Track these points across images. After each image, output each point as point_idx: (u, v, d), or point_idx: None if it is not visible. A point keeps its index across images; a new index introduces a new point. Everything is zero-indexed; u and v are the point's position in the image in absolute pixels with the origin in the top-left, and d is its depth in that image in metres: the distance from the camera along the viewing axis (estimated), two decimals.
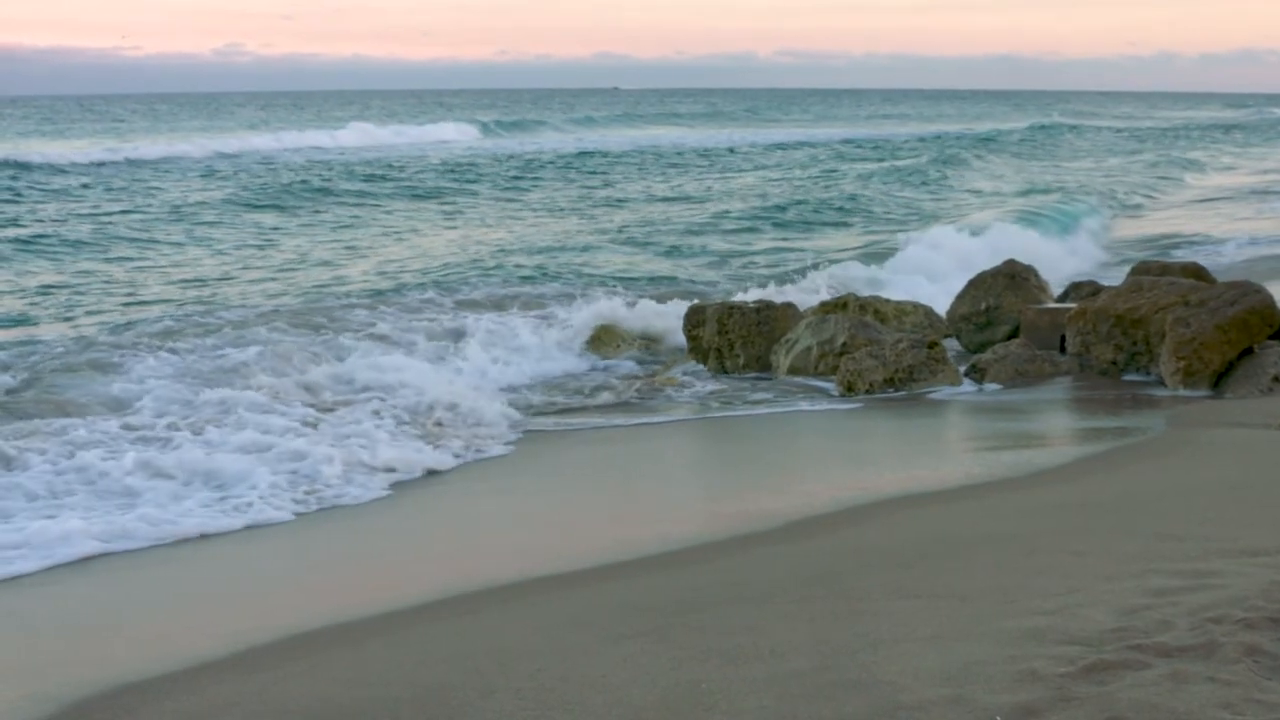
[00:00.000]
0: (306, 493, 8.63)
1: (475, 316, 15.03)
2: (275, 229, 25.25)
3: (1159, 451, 9.08)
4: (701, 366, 13.25)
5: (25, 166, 37.75)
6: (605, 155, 47.79)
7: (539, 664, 5.20)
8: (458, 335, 14.05)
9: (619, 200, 31.43)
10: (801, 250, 21.86)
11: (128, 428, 10.03)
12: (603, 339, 14.05)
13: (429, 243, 23.37)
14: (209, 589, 7.01)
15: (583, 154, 48.33)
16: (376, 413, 10.70)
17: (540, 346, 13.78)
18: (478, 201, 31.38)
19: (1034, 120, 79.33)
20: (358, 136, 60.42)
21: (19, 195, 30.73)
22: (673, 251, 21.62)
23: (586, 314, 14.48)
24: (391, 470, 9.15)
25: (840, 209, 28.11)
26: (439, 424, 10.45)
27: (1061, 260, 19.85)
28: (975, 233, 21.26)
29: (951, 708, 4.44)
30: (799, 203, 28.79)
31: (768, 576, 6.34)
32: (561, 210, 29.08)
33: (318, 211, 28.31)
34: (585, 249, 21.73)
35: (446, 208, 29.96)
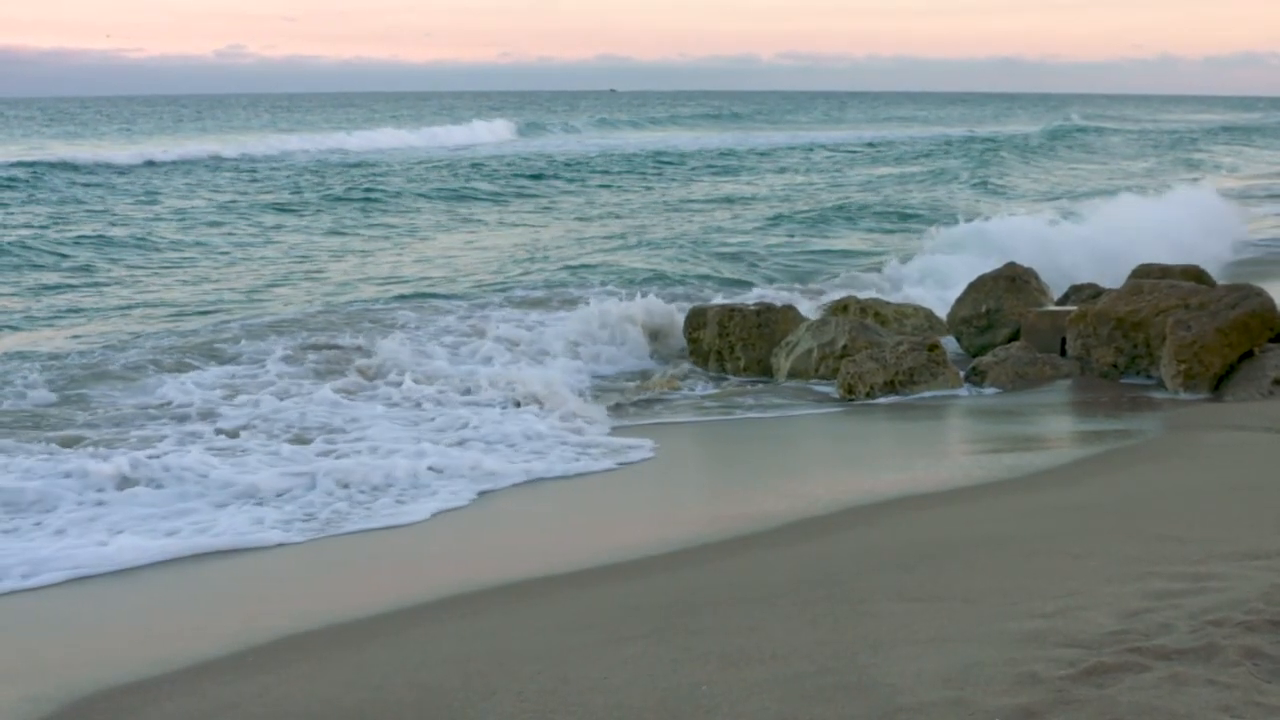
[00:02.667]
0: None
1: (514, 316, 15.31)
2: (323, 232, 25.23)
3: (1159, 454, 9.08)
4: (702, 369, 13.24)
5: (35, 166, 37.58)
6: (644, 156, 47.67)
7: (539, 665, 5.20)
8: (486, 337, 14.11)
9: (659, 202, 31.51)
10: (880, 251, 21.85)
11: (223, 433, 10.08)
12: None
13: (470, 244, 23.48)
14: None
15: (617, 155, 48.10)
16: (537, 414, 10.81)
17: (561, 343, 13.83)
18: (520, 202, 31.54)
19: (1049, 124, 79.17)
20: (389, 138, 59.66)
21: (37, 195, 30.83)
22: (719, 254, 21.41)
23: (585, 312, 14.52)
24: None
25: (882, 210, 27.98)
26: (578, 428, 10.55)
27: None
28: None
29: (951, 710, 4.44)
30: (839, 206, 28.58)
31: (768, 578, 6.34)
32: (596, 212, 29.15)
33: (345, 213, 28.34)
34: (619, 250, 21.77)
35: (488, 209, 30.03)
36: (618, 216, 28.13)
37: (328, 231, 25.33)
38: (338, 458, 9.26)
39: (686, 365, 13.38)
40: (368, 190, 32.42)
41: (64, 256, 20.75)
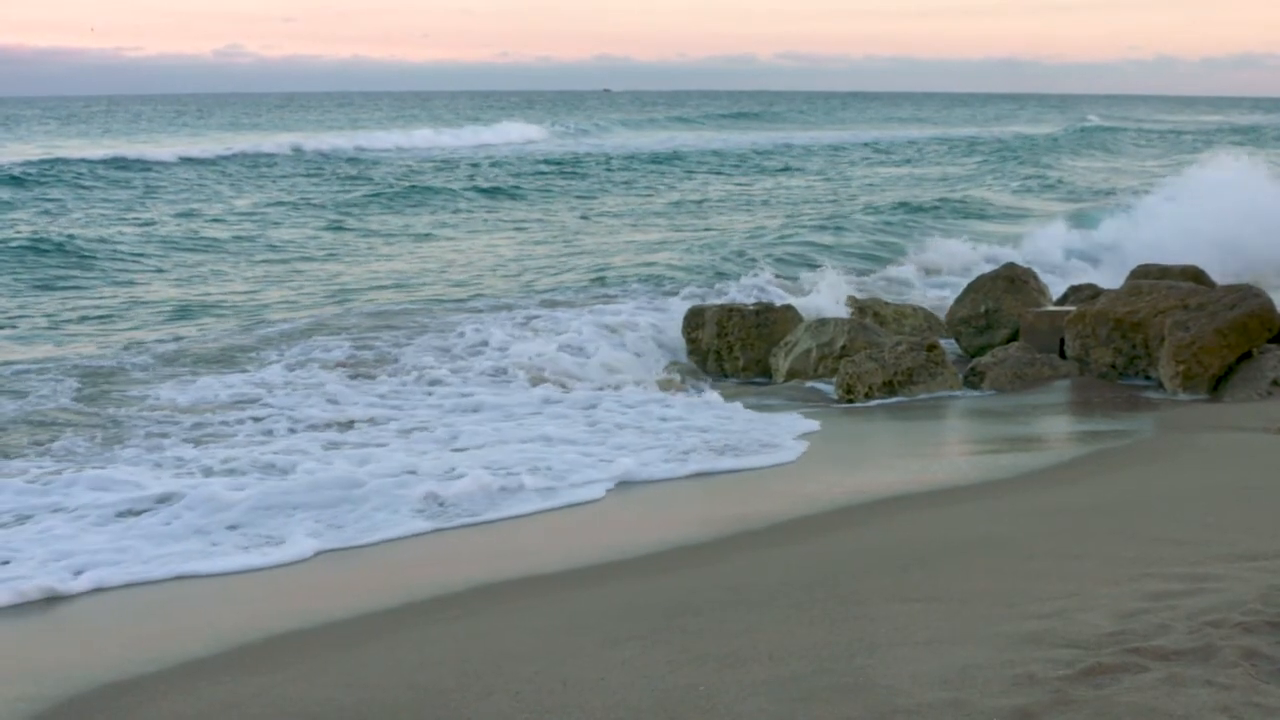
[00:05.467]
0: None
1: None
2: (351, 233, 25.22)
3: (1157, 455, 9.08)
4: (700, 369, 13.24)
5: (54, 163, 37.42)
6: (676, 158, 47.63)
7: (537, 666, 5.20)
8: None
9: (701, 202, 31.54)
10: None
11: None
12: None
13: (498, 246, 23.50)
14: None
15: (634, 156, 47.95)
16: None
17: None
18: (541, 202, 31.64)
19: (1066, 125, 78.97)
20: (415, 139, 59.54)
21: (66, 193, 30.87)
22: (739, 253, 21.11)
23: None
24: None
25: (936, 210, 27.92)
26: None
27: None
28: None
29: (949, 711, 4.44)
30: (858, 208, 28.48)
31: (766, 579, 6.34)
32: (617, 212, 29.19)
33: (368, 215, 28.32)
34: (644, 250, 21.76)
35: (513, 210, 30.06)
36: (639, 216, 28.25)
37: (355, 233, 25.28)
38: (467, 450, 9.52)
39: (684, 364, 13.39)
40: (396, 190, 32.39)
41: (111, 255, 20.78)
